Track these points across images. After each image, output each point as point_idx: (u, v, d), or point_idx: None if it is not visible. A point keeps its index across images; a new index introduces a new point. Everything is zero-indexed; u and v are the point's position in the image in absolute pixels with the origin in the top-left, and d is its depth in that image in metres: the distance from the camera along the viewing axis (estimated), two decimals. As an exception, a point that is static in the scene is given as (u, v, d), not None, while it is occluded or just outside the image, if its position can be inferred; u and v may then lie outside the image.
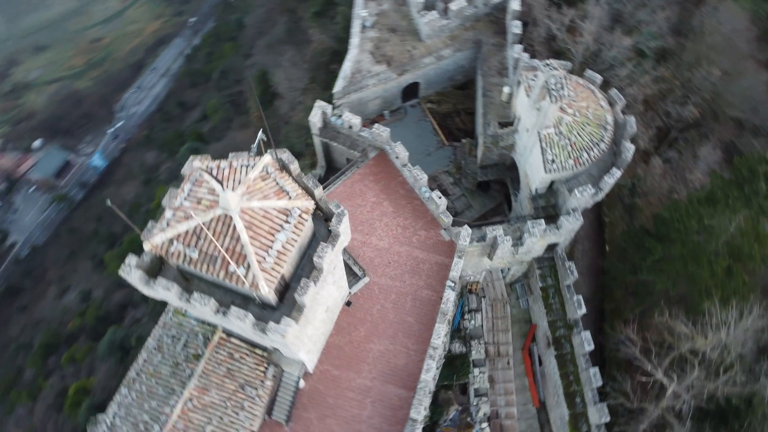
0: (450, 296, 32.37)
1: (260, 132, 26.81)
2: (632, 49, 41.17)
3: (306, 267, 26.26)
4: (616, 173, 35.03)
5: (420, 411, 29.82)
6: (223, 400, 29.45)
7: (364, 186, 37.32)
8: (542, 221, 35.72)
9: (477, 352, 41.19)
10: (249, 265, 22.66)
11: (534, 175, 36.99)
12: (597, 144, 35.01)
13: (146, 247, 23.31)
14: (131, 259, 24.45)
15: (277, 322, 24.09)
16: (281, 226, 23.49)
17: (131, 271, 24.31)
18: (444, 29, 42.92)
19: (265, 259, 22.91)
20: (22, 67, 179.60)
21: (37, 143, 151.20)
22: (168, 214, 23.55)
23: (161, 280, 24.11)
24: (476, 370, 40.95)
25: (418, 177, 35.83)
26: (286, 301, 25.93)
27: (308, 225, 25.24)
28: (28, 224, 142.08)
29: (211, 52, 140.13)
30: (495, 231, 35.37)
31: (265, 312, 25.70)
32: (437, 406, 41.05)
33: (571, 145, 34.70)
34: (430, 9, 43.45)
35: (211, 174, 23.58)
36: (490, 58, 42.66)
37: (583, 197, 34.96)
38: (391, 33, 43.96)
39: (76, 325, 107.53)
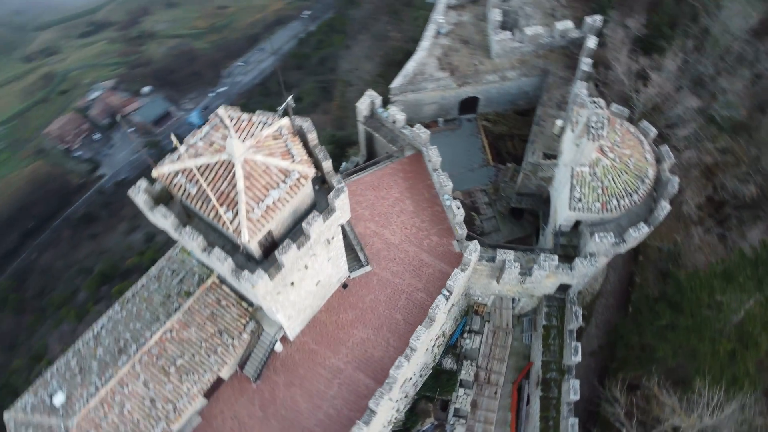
0: (441, 304, 32.35)
1: (290, 97, 28.06)
2: (700, 113, 39.71)
3: (299, 233, 27.21)
4: (644, 229, 33.98)
5: (379, 403, 29.99)
6: (200, 339, 30.93)
7: (392, 180, 38.03)
8: (556, 257, 35.13)
9: (467, 373, 40.76)
10: (237, 212, 23.89)
11: (561, 210, 36.42)
12: (630, 194, 34.08)
13: (154, 173, 25.03)
14: (142, 183, 26.33)
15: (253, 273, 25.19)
16: (278, 184, 24.60)
17: (139, 193, 26.18)
18: (515, 51, 43.02)
19: (254, 209, 24.06)
20: (152, 18, 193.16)
21: (146, 89, 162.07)
22: (182, 149, 25.17)
23: (161, 207, 25.78)
24: (461, 390, 40.56)
25: (443, 183, 36.17)
26: (270, 258, 27.00)
27: (305, 191, 26.27)
28: (119, 161, 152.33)
29: (322, 40, 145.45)
30: (505, 255, 35.12)
31: (249, 264, 26.86)
32: (414, 413, 41.00)
33: (602, 189, 33.97)
34: (510, 30, 43.72)
35: (228, 122, 25.13)
36: (554, 89, 42.38)
37: (602, 244, 34.11)
38: (463, 44, 44.55)
39: (134, 262, 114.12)
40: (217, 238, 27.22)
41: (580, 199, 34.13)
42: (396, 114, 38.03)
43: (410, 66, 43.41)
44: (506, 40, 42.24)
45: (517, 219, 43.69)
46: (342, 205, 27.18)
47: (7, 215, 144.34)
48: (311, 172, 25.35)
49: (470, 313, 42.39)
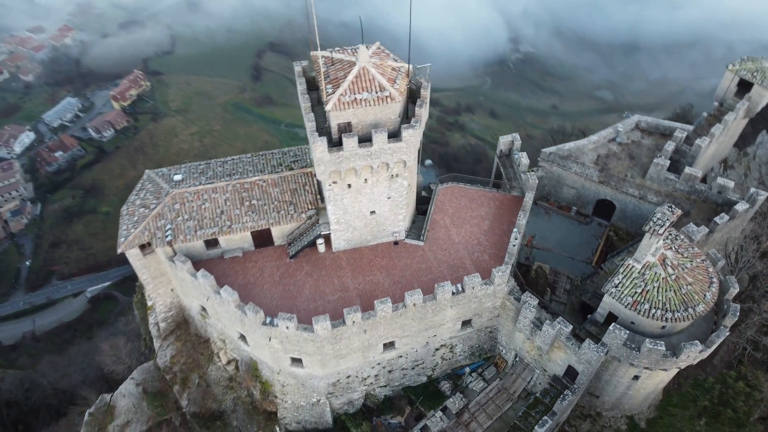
0: (447, 287, 36.22)
1: (428, 64, 36.42)
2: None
3: (372, 148, 34.88)
4: (659, 351, 33.97)
5: (350, 315, 35.07)
6: (276, 199, 40.09)
7: (486, 201, 43.29)
8: (570, 327, 36.42)
9: (454, 404, 42.33)
10: (335, 91, 32.86)
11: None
12: (666, 311, 34.35)
13: (312, 53, 35.50)
14: (303, 62, 37.08)
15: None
16: (371, 91, 33.03)
17: (299, 64, 36.92)
18: (667, 182, 44.68)
19: (346, 95, 32.80)
20: (471, 116, 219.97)
21: (428, 161, 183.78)
22: (337, 48, 35.46)
23: (303, 79, 36.10)
24: (440, 414, 42.22)
25: (520, 221, 40.28)
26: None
27: (389, 114, 34.06)
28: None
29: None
30: (529, 299, 37.51)
31: (330, 144, 35.16)
32: (391, 402, 43.85)
33: (643, 290, 34.86)
34: (680, 168, 45.89)
35: (374, 46, 34.79)
36: (681, 227, 43.00)
37: (615, 335, 34.76)
38: (628, 158, 47.61)
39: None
40: (323, 123, 36.27)
41: (616, 286, 35.50)
42: (522, 158, 43.53)
43: (568, 145, 48.12)
44: (663, 167, 44.45)
45: (583, 317, 44.24)
46: (409, 139, 34.21)
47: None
48: (399, 98, 33.23)
49: (491, 360, 44.05)
